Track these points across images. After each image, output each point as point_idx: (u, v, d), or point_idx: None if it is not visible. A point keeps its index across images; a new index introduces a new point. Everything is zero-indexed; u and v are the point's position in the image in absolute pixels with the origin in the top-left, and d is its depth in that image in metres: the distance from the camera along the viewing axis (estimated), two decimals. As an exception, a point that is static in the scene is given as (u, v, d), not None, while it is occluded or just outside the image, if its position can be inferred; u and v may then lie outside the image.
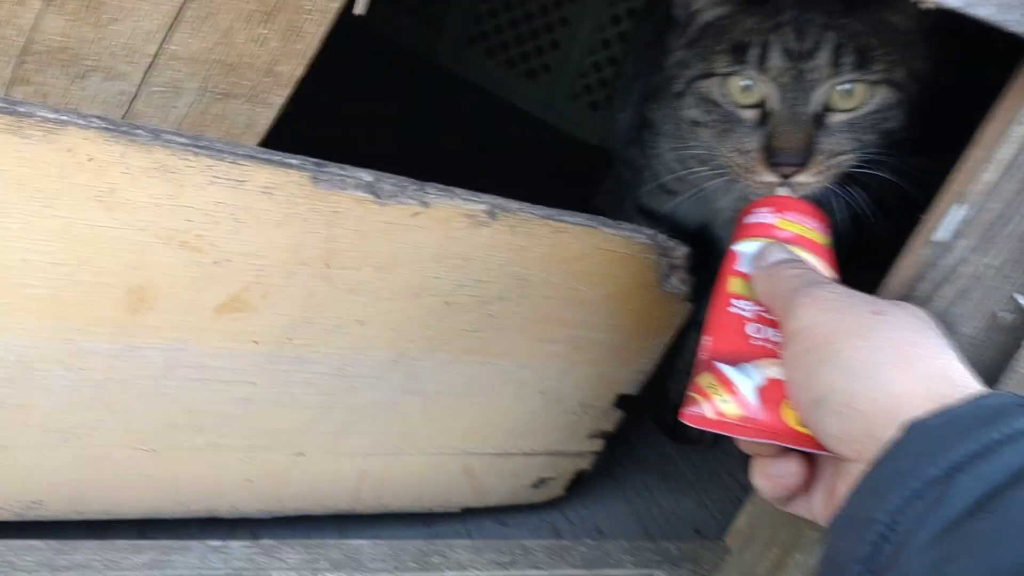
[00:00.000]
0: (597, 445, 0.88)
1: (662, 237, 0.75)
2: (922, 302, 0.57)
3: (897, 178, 0.79)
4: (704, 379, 0.54)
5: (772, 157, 0.75)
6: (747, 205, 0.68)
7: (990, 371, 0.57)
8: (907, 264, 0.60)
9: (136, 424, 0.65)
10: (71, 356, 0.60)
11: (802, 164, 0.75)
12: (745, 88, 0.78)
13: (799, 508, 0.54)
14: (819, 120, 0.77)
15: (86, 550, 0.61)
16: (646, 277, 0.76)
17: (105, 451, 0.65)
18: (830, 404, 0.47)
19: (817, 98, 0.76)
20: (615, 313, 0.77)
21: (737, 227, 0.66)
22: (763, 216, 0.65)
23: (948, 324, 0.56)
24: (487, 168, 1.55)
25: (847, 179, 0.80)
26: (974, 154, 0.56)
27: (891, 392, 0.45)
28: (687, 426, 1.12)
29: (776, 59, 0.76)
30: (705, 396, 0.53)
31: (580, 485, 0.92)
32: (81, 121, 0.52)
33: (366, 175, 0.61)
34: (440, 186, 0.65)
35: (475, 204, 0.66)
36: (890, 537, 0.41)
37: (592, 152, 1.76)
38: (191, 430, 0.67)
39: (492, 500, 0.86)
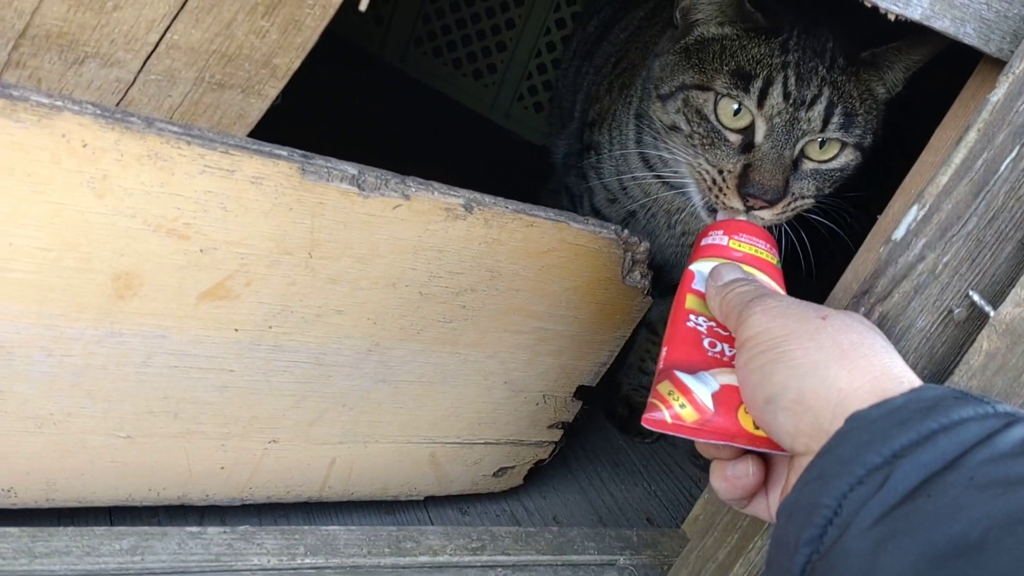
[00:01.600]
0: (556, 435, 0.91)
1: (626, 233, 0.78)
2: (880, 297, 0.61)
3: (833, 223, 0.85)
4: (664, 387, 0.57)
5: (745, 187, 0.79)
6: (703, 229, 0.73)
7: (944, 363, 0.61)
8: (865, 261, 0.64)
9: (113, 411, 0.65)
10: (53, 341, 0.60)
11: (772, 202, 0.79)
12: (736, 112, 0.81)
13: (757, 509, 0.58)
14: (795, 164, 0.81)
15: (64, 536, 0.61)
16: (610, 271, 0.79)
17: (81, 438, 0.65)
18: (781, 401, 0.50)
19: (800, 145, 0.80)
20: (579, 306, 0.80)
21: (694, 249, 0.70)
22: (716, 238, 0.70)
23: (905, 319, 0.60)
24: (433, 166, 1.56)
25: (796, 220, 0.85)
26: (928, 159, 0.61)
27: (837, 388, 0.49)
28: (637, 418, 1.17)
29: (776, 99, 0.80)
30: (664, 402, 0.56)
31: (536, 475, 0.94)
32: (75, 107, 0.52)
33: (351, 168, 0.63)
34: (420, 180, 0.67)
35: (453, 198, 0.68)
36: (835, 520, 0.44)
37: (537, 151, 1.79)
38: (167, 417, 0.67)
39: (455, 488, 0.88)
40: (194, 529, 0.65)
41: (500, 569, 0.75)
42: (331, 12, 0.56)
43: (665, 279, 1.05)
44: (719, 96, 0.82)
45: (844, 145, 0.82)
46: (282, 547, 0.66)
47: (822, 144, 0.82)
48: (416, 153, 1.59)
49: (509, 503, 0.94)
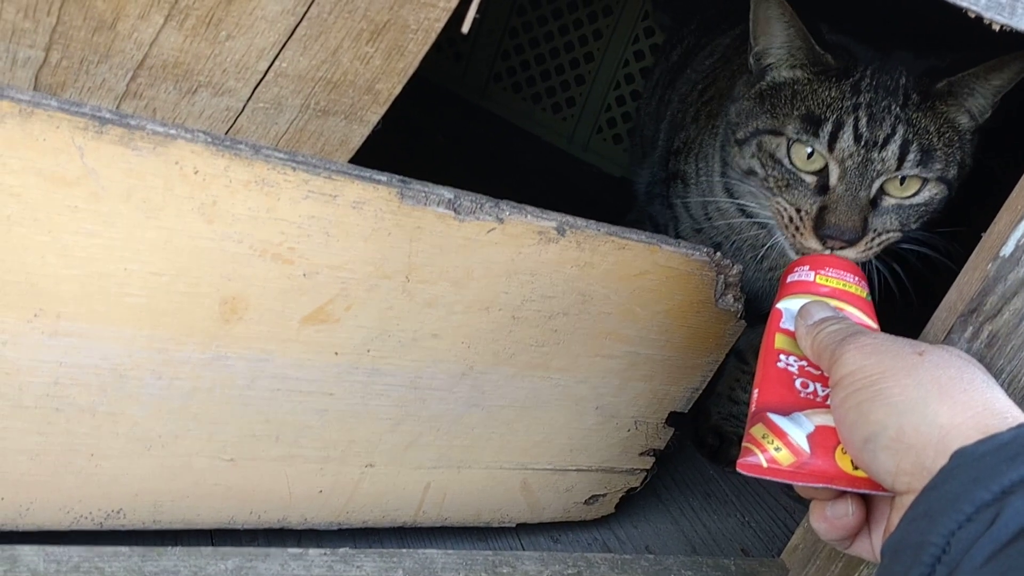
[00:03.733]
0: (648, 462, 0.90)
1: (718, 255, 0.77)
2: (990, 316, 0.59)
3: (930, 252, 0.83)
4: (757, 430, 0.56)
5: (822, 228, 0.79)
6: (788, 265, 0.72)
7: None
8: (971, 280, 0.62)
9: (218, 433, 0.66)
10: (163, 365, 0.62)
11: (851, 242, 0.78)
12: (809, 156, 0.81)
13: (860, 549, 0.57)
14: (874, 202, 0.80)
15: (172, 556, 0.63)
16: (702, 294, 0.78)
17: (187, 460, 0.67)
18: (880, 440, 0.49)
19: (877, 184, 0.79)
20: (671, 330, 0.79)
21: (780, 286, 0.70)
22: (803, 274, 0.69)
23: (1017, 337, 0.58)
24: (514, 199, 1.57)
25: (886, 254, 0.83)
26: (1036, 171, 0.59)
27: (938, 424, 0.48)
28: (727, 448, 1.14)
29: (847, 142, 0.79)
30: (759, 446, 0.55)
31: (627, 504, 0.93)
32: (188, 135, 0.54)
33: (447, 192, 0.64)
34: (513, 204, 0.67)
35: (545, 221, 0.68)
36: (943, 559, 0.43)
37: (616, 184, 1.80)
38: (269, 440, 0.68)
39: (546, 516, 0.88)
40: (296, 551, 0.66)
41: (595, 597, 0.75)
42: (433, 37, 0.57)
43: (754, 309, 1.04)
44: (791, 141, 0.82)
45: (925, 181, 0.81)
46: (381, 569, 0.67)
47: (902, 181, 0.80)
48: (496, 188, 1.61)
49: (601, 532, 0.93)
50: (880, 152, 0.79)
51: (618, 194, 1.68)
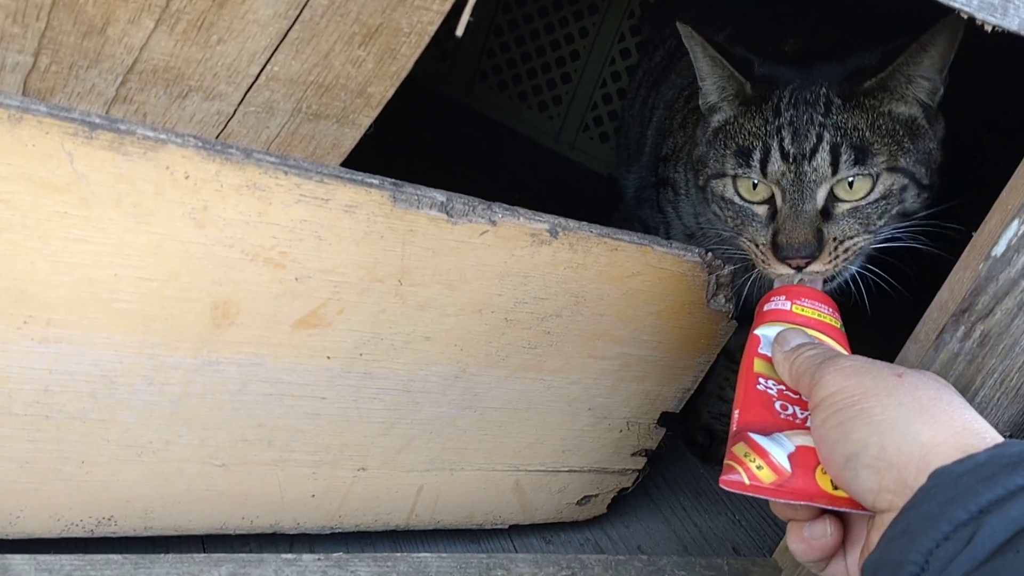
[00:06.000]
0: (640, 463, 0.90)
1: (710, 256, 0.77)
2: (982, 315, 0.60)
3: (921, 243, 0.83)
4: (739, 448, 0.57)
5: (780, 251, 0.79)
6: (764, 295, 0.74)
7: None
8: (962, 279, 0.63)
9: (210, 439, 0.66)
10: (154, 370, 0.61)
11: (812, 256, 0.78)
12: (755, 186, 0.82)
13: (834, 571, 0.57)
14: (826, 212, 0.80)
15: (164, 563, 0.62)
16: (694, 295, 0.78)
17: (178, 466, 0.66)
18: (862, 459, 0.50)
19: (821, 194, 0.79)
20: (663, 330, 0.79)
21: (756, 314, 0.71)
22: (779, 303, 0.71)
23: (1009, 337, 0.59)
24: (500, 197, 1.57)
25: (869, 260, 0.83)
26: (1027, 171, 0.59)
27: (920, 443, 0.49)
28: (717, 447, 1.15)
29: (776, 163, 0.80)
30: (741, 464, 0.56)
31: (619, 504, 0.93)
32: (179, 140, 0.54)
33: (440, 195, 0.63)
34: (506, 206, 0.67)
35: (538, 223, 0.68)
36: None
37: (603, 181, 1.79)
38: (261, 445, 0.68)
39: (539, 517, 0.88)
40: (289, 556, 0.65)
41: (589, 598, 0.75)
42: (426, 40, 0.57)
43: (745, 310, 1.04)
44: (733, 178, 0.84)
45: (875, 177, 0.80)
46: (375, 574, 0.66)
47: (851, 184, 0.80)
48: (483, 187, 1.60)
49: (593, 532, 0.93)
50: (811, 163, 0.79)
51: (605, 192, 1.68)
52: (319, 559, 0.66)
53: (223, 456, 0.67)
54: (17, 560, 0.59)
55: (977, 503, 0.44)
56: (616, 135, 1.75)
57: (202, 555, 0.63)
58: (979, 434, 0.49)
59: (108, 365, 0.60)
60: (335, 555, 0.66)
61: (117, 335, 0.59)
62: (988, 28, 0.54)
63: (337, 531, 0.76)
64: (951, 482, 0.46)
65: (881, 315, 0.87)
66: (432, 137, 1.77)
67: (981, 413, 0.63)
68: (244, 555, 0.64)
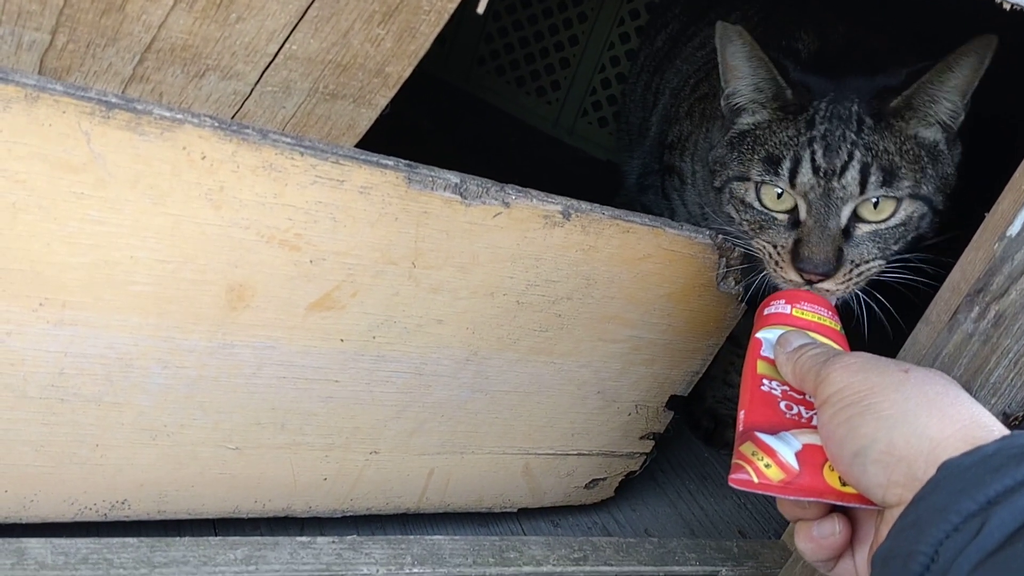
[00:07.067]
0: (648, 446, 0.90)
1: (720, 238, 0.77)
2: (997, 295, 0.60)
3: (924, 275, 0.82)
4: (747, 447, 0.58)
5: (799, 262, 0.79)
6: (764, 299, 0.74)
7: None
8: (975, 260, 0.63)
9: (224, 422, 0.66)
10: (169, 353, 0.61)
11: (827, 275, 0.78)
12: (779, 195, 0.82)
13: (843, 570, 0.57)
14: (847, 232, 0.80)
15: (181, 547, 0.62)
16: (704, 278, 0.78)
17: (192, 449, 0.66)
18: (870, 454, 0.51)
19: (846, 212, 0.79)
20: (673, 313, 0.79)
21: (757, 319, 0.72)
22: (779, 307, 0.71)
23: (1027, 317, 0.59)
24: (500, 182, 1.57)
25: (872, 285, 0.83)
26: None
27: (928, 436, 0.49)
28: (722, 430, 1.15)
29: (806, 175, 0.80)
30: (749, 463, 0.56)
31: (625, 488, 0.94)
32: (195, 120, 0.53)
33: (454, 176, 0.63)
34: (519, 188, 0.67)
35: (551, 205, 0.68)
36: (932, 567, 0.44)
37: (602, 167, 1.79)
38: (275, 428, 0.68)
39: (547, 500, 0.88)
40: (304, 539, 0.65)
41: (601, 580, 0.75)
42: (445, 17, 0.56)
43: (753, 294, 1.04)
44: (758, 184, 0.83)
45: (899, 200, 0.80)
46: (390, 556, 0.66)
47: (876, 205, 0.80)
48: (482, 172, 1.60)
49: (600, 516, 0.93)
50: (840, 180, 0.79)
51: (604, 177, 1.68)
52: (333, 542, 0.66)
53: (237, 439, 0.67)
54: (33, 544, 0.59)
55: (986, 494, 0.44)
56: (616, 120, 1.75)
57: (217, 538, 0.63)
58: (986, 427, 0.49)
59: (123, 348, 0.59)
60: (349, 538, 0.66)
61: (133, 317, 0.58)
62: (1007, 7, 0.54)
63: (349, 514, 0.76)
64: (960, 473, 0.46)
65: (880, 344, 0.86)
66: (429, 122, 1.76)
67: (995, 394, 0.64)
68: (259, 538, 0.64)
